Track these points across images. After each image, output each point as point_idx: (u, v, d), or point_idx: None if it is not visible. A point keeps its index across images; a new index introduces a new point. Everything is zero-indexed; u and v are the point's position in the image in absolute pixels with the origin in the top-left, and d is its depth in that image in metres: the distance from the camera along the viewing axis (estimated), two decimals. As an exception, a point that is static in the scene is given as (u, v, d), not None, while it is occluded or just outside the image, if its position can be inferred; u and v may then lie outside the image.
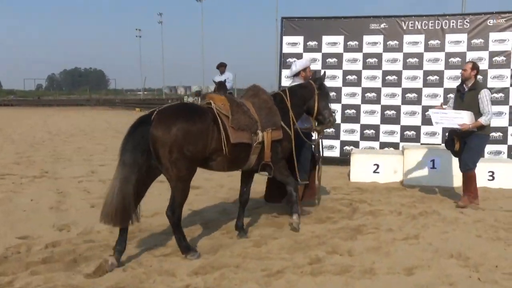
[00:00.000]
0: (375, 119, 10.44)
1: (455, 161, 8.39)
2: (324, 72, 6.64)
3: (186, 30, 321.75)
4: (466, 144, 6.82)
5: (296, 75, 6.53)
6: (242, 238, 5.39)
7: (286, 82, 10.88)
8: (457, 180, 8.42)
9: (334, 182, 8.52)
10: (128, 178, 4.40)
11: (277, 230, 5.69)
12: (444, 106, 7.28)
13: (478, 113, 6.73)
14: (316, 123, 6.11)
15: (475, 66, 6.95)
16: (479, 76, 7.20)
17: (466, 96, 6.88)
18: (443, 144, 7.83)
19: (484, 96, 6.74)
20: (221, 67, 12.62)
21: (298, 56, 10.83)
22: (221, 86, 10.89)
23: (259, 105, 5.33)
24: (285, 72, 10.92)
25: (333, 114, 6.23)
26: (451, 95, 7.98)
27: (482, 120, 6.71)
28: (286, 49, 11.05)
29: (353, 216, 6.36)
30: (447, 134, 6.98)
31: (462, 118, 6.68)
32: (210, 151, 4.80)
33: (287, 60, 10.93)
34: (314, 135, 6.60)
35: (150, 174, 4.71)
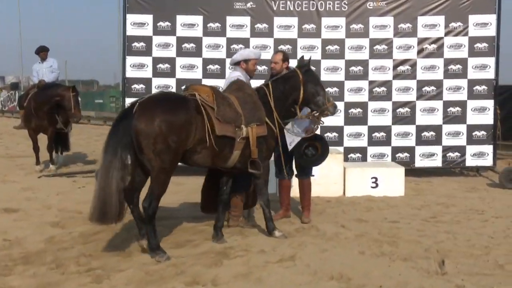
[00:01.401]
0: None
1: (335, 169, 8.94)
2: (310, 56, 6.93)
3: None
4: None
5: (237, 64, 6.97)
6: (220, 241, 6.24)
7: (133, 73, 10.81)
8: (337, 188, 8.99)
9: (197, 197, 8.33)
10: (111, 173, 5.32)
11: (123, 260, 5.58)
12: None
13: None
14: (313, 112, 6.68)
15: (286, 57, 7.16)
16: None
17: None
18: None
19: None
20: (42, 52, 11.96)
21: (147, 39, 10.80)
22: (77, 102, 10.79)
23: (243, 99, 6.20)
24: (130, 60, 10.85)
25: (330, 100, 6.67)
26: None
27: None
28: (131, 31, 10.96)
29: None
30: (290, 143, 7.06)
31: (306, 120, 6.89)
32: (195, 142, 5.71)
33: (133, 45, 10.85)
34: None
35: (144, 167, 5.66)
